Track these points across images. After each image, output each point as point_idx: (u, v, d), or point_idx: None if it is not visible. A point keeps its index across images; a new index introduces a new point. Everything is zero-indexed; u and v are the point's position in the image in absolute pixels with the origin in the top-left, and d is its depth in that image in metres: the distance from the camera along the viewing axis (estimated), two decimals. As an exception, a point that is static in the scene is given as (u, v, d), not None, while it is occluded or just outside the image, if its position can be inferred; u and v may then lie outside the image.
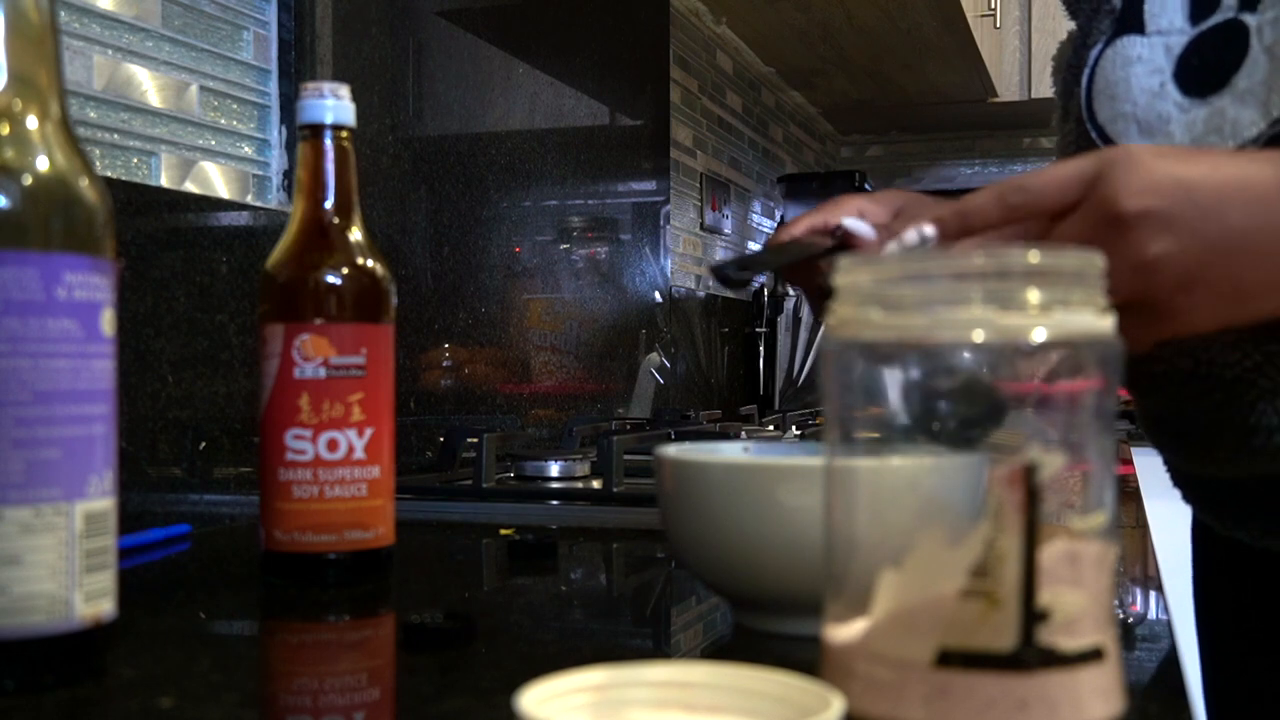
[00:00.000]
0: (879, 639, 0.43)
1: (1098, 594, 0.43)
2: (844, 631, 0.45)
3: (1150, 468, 1.42)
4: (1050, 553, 0.41)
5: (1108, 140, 0.72)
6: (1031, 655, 0.41)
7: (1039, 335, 0.41)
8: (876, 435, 0.45)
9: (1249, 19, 0.65)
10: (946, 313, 0.42)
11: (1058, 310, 0.42)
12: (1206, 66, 0.67)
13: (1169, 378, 0.69)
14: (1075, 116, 0.75)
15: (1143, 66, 0.70)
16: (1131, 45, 0.71)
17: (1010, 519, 0.41)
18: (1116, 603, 0.45)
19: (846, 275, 0.45)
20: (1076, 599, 0.42)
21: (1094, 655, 0.42)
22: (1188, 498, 0.82)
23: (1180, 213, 0.53)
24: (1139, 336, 0.53)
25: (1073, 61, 0.77)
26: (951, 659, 0.41)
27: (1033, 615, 0.41)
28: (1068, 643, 0.42)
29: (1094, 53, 0.74)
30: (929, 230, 0.55)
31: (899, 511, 0.45)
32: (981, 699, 0.41)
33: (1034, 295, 0.42)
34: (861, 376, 0.44)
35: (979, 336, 0.42)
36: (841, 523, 0.45)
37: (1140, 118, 0.69)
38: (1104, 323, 0.43)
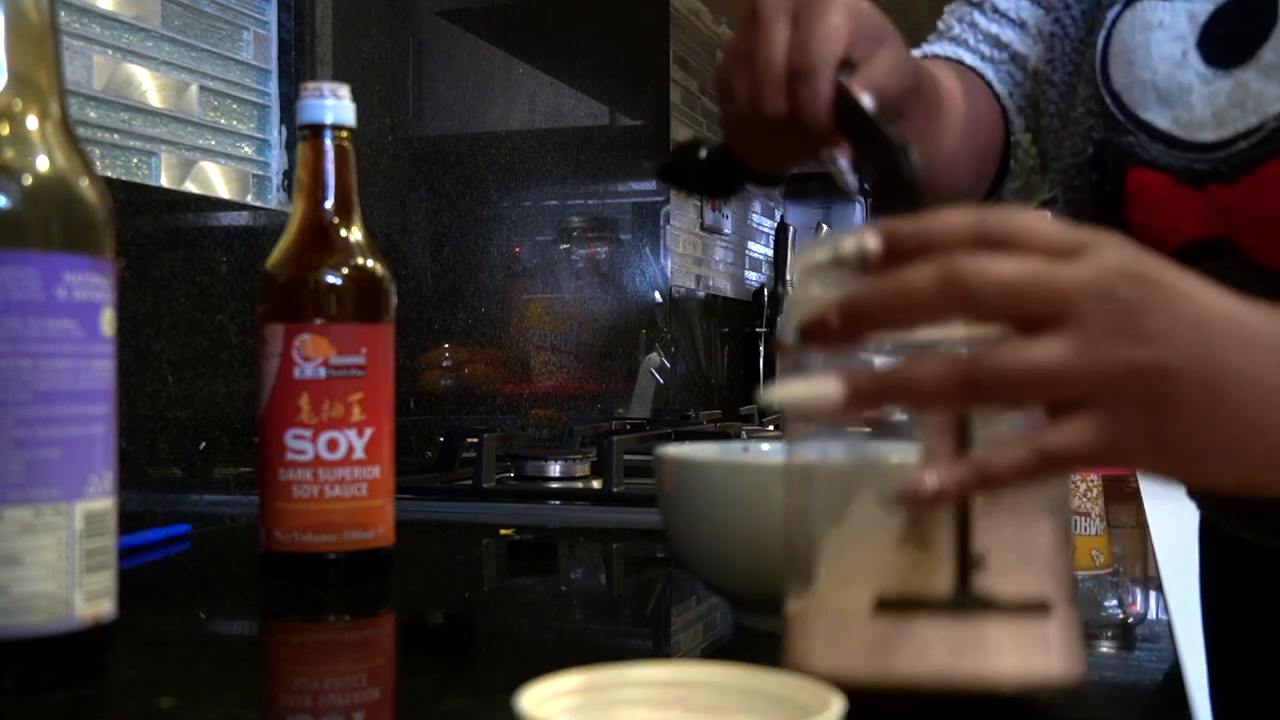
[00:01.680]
0: (821, 595, 0.43)
1: (1042, 549, 0.43)
2: (797, 600, 0.45)
3: (1150, 468, 1.42)
4: (987, 503, 0.42)
5: (1123, 107, 0.69)
6: (966, 600, 0.41)
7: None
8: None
9: None
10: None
11: None
12: (1232, 37, 0.65)
13: None
14: (1087, 78, 0.72)
15: (1164, 33, 0.67)
16: (1152, 10, 0.68)
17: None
18: (1081, 572, 0.46)
19: (812, 256, 0.45)
20: (1016, 550, 0.42)
21: (1038, 608, 0.42)
22: (1192, 495, 0.82)
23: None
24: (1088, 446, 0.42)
25: (1083, 16, 0.74)
26: (888, 606, 0.42)
27: (967, 561, 0.41)
28: (1007, 590, 0.41)
29: (1111, 14, 0.71)
30: (872, 244, 0.42)
31: (844, 491, 0.45)
32: (918, 644, 0.41)
33: None
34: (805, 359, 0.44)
35: (955, 332, 0.42)
36: (796, 505, 0.46)
37: (1160, 86, 0.67)
38: None
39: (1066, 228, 0.42)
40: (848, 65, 0.60)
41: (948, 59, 0.84)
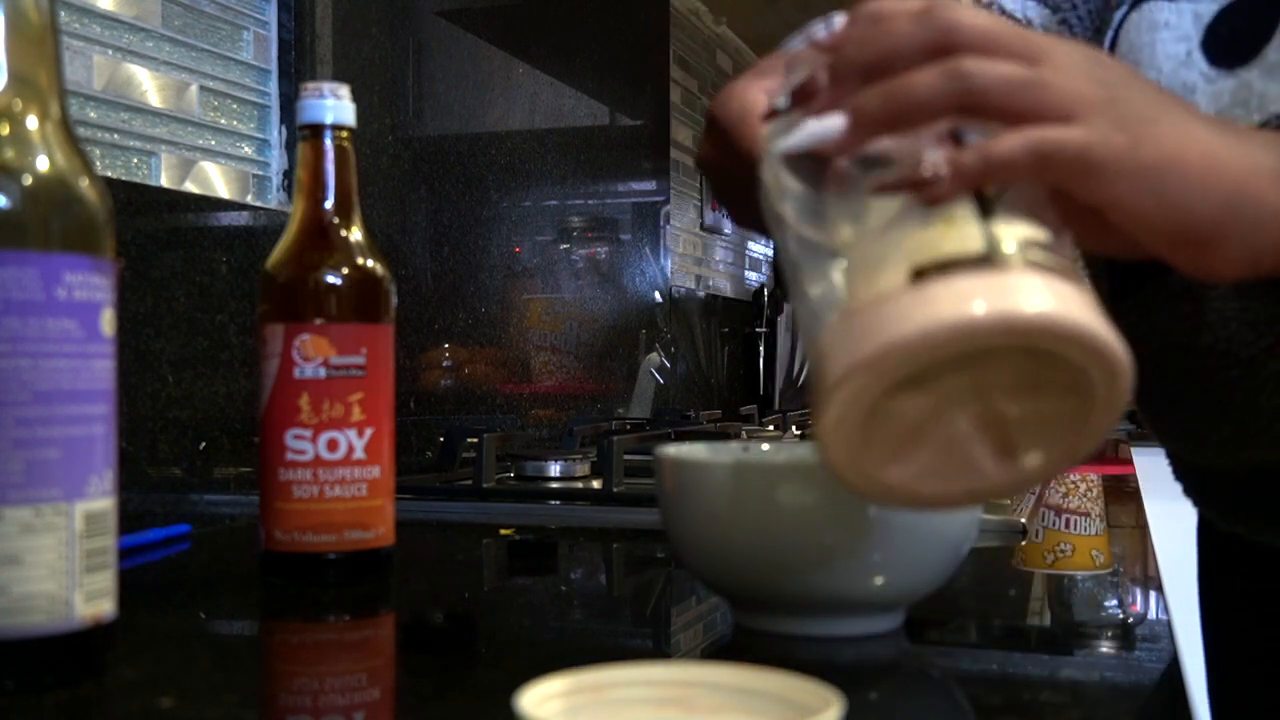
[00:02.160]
0: (856, 297, 0.42)
1: (1054, 233, 0.44)
2: (827, 330, 0.43)
3: (1150, 468, 1.42)
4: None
5: None
6: (1002, 255, 0.41)
7: None
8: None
9: None
10: None
11: None
12: (1236, 37, 0.65)
13: (1184, 350, 0.68)
14: None
15: (1169, 33, 0.68)
16: (1159, 10, 0.69)
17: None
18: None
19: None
20: (1032, 227, 0.43)
21: (1066, 270, 0.42)
22: (1188, 491, 0.82)
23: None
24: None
25: (1090, 16, 0.76)
26: (926, 271, 0.41)
27: (994, 228, 0.42)
28: (1032, 255, 0.42)
29: (1119, 15, 0.72)
30: (837, 20, 0.45)
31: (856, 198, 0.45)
32: (961, 291, 0.40)
33: None
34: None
35: None
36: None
37: (1164, 86, 0.67)
38: None
39: (1004, 23, 0.46)
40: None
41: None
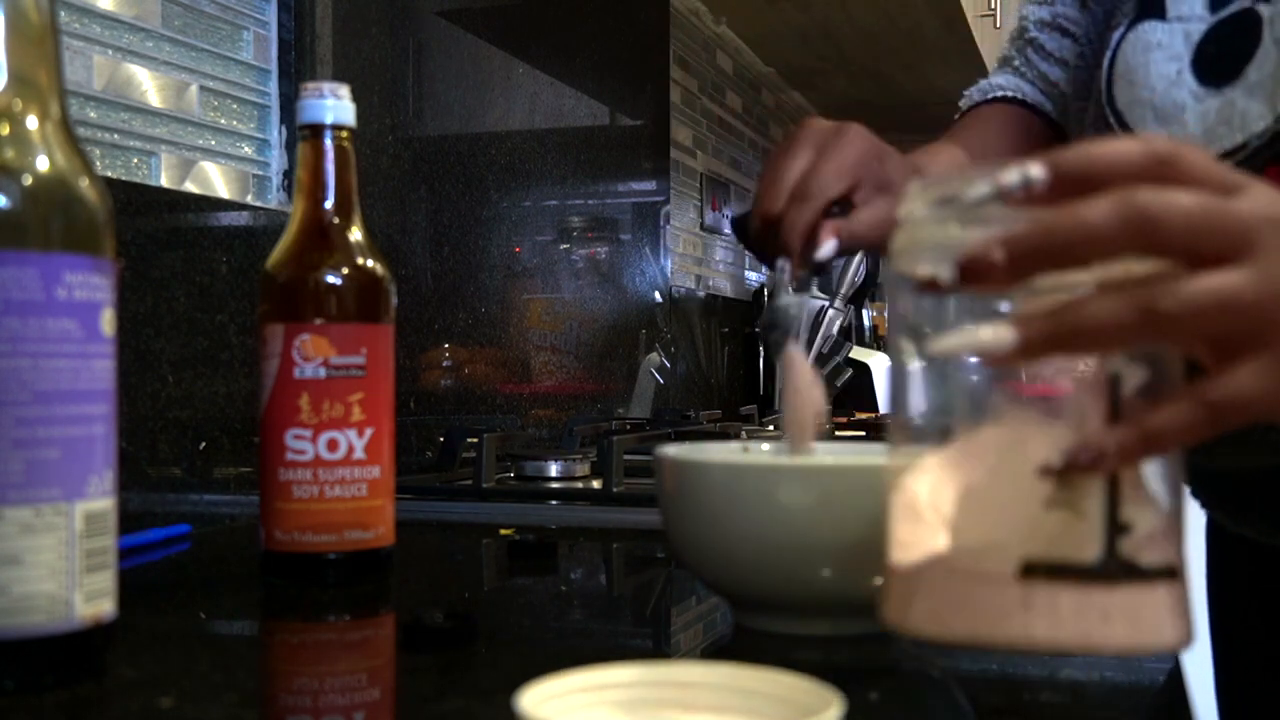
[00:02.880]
0: (958, 556, 0.42)
1: (1171, 512, 0.42)
2: (915, 550, 0.43)
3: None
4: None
5: (1125, 126, 0.71)
6: (1115, 567, 0.40)
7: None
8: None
9: (1263, 9, 0.65)
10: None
11: None
12: (1222, 56, 0.66)
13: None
14: (1095, 98, 0.74)
15: (1162, 53, 0.69)
16: (1152, 31, 0.70)
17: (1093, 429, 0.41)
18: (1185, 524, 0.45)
19: (920, 197, 0.44)
20: (1154, 514, 0.41)
21: (1169, 573, 0.41)
22: (1197, 493, 0.82)
23: None
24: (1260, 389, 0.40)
25: (1090, 43, 0.77)
26: (1035, 570, 0.40)
27: (1116, 527, 0.40)
28: (1146, 558, 0.41)
29: (1116, 35, 0.73)
30: (1038, 173, 0.39)
31: (970, 438, 0.44)
32: (1064, 610, 0.40)
33: None
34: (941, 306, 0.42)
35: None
36: (903, 455, 0.45)
37: (1157, 105, 0.69)
38: None
39: (1220, 163, 0.41)
40: (845, 202, 0.68)
41: (1009, 100, 0.89)
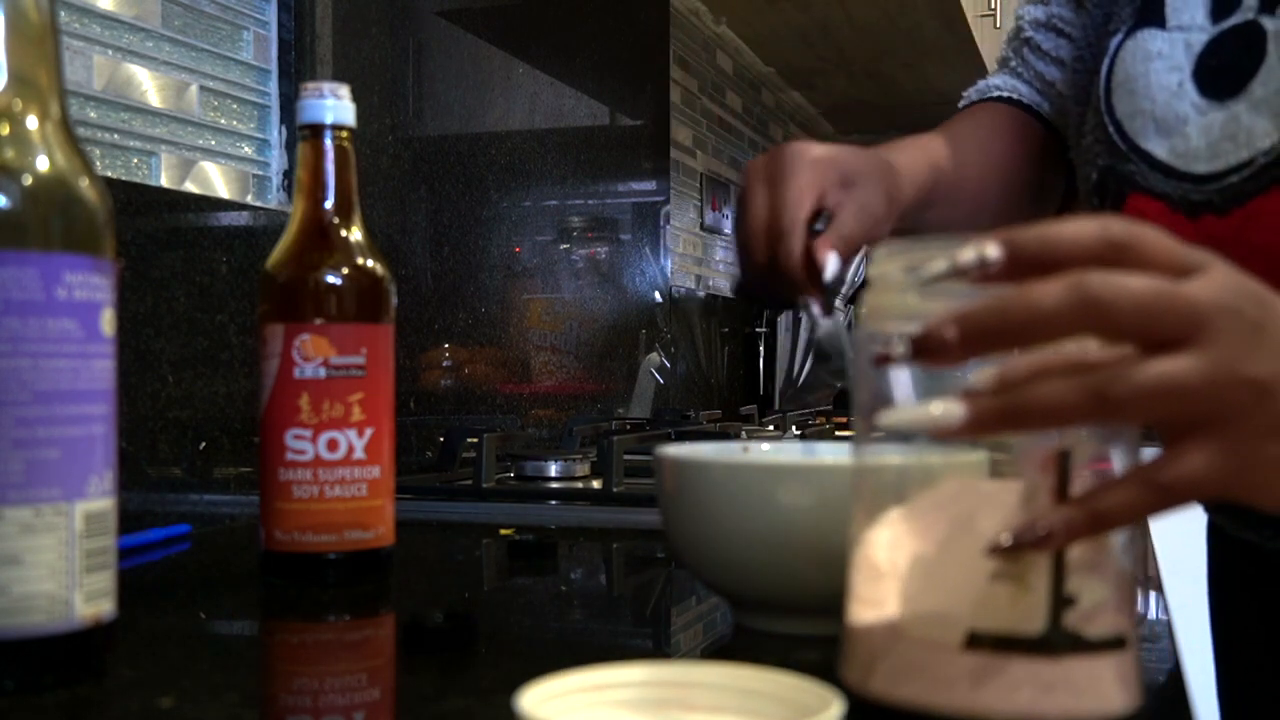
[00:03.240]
0: (910, 623, 0.43)
1: (1120, 583, 0.43)
2: (873, 610, 0.45)
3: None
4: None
5: (1125, 136, 0.70)
6: (1059, 639, 0.41)
7: None
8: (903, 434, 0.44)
9: (1268, 23, 0.64)
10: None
11: None
12: (1225, 69, 0.65)
13: None
14: (1094, 106, 0.73)
15: (1162, 63, 0.68)
16: (1152, 39, 0.69)
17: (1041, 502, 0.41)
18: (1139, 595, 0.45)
19: (885, 262, 0.45)
20: (1101, 586, 0.42)
21: (1116, 644, 0.42)
22: None
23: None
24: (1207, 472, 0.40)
25: (1088, 45, 0.76)
26: (981, 641, 0.42)
27: (1061, 600, 0.41)
28: (1092, 629, 0.42)
29: (1114, 42, 0.71)
30: (994, 253, 0.39)
31: (924, 504, 0.45)
32: (1010, 681, 0.41)
33: None
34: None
35: None
36: (867, 511, 0.46)
37: (1158, 116, 0.67)
38: None
39: (1181, 243, 0.41)
40: (822, 214, 0.68)
41: (1005, 100, 0.88)
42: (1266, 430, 0.40)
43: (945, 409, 0.40)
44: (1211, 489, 0.40)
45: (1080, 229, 0.40)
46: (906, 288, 0.43)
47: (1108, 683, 0.42)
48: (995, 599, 0.42)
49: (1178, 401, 0.39)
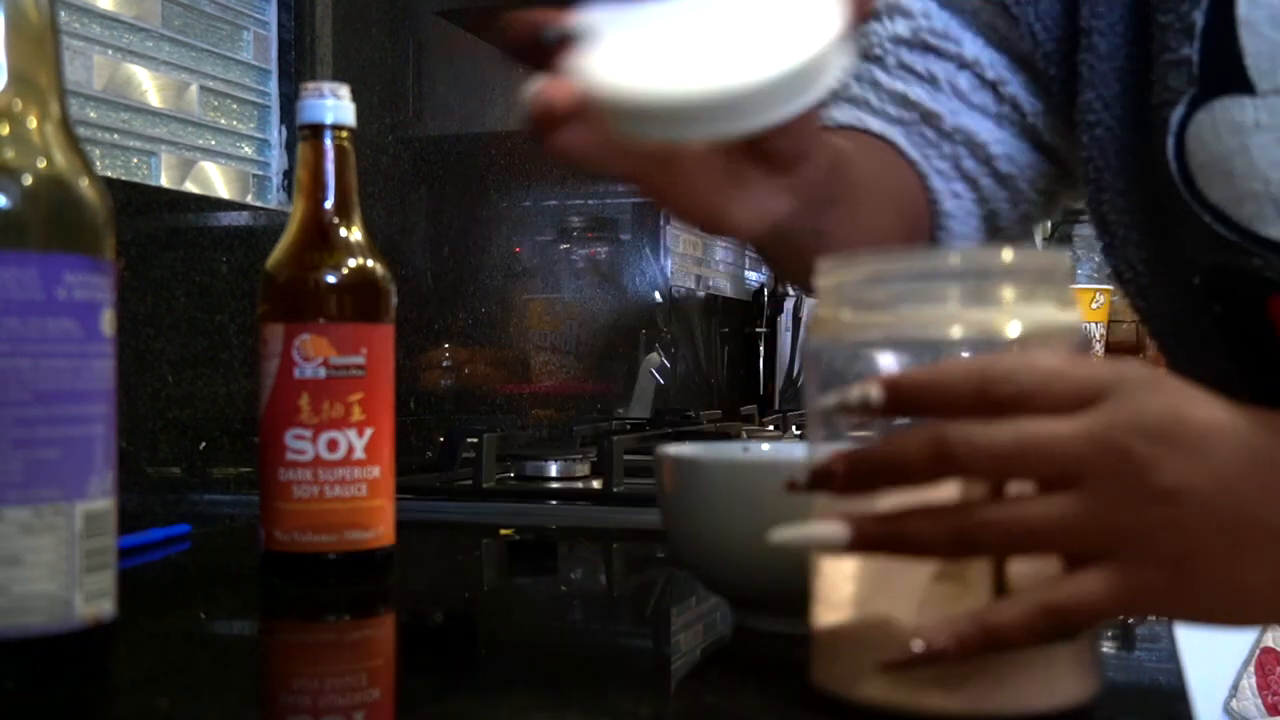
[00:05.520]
0: (862, 625, 0.44)
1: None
2: (834, 612, 0.46)
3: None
4: None
5: (1234, 226, 0.58)
6: None
7: (1014, 330, 0.43)
8: (861, 433, 0.46)
9: None
10: (923, 310, 0.44)
11: (1029, 305, 0.43)
12: None
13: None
14: (1162, 188, 0.61)
15: (1268, 135, 0.56)
16: (1241, 109, 0.56)
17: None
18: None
19: (826, 278, 0.47)
20: (1048, 572, 0.42)
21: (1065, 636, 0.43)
22: None
23: (1201, 454, 0.40)
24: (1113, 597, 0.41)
25: (1113, 118, 0.63)
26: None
27: (1002, 594, 0.42)
28: None
29: (1176, 116, 0.59)
30: (875, 395, 0.42)
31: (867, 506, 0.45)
32: (956, 675, 0.42)
33: (1008, 292, 0.43)
34: (838, 375, 0.45)
35: (956, 333, 0.43)
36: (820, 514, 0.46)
37: (1276, 197, 0.56)
38: (1072, 315, 0.45)
39: (1082, 372, 0.41)
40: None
41: (849, 128, 0.72)
42: (1161, 561, 0.40)
43: (831, 529, 0.42)
44: (1109, 610, 0.41)
45: (963, 372, 0.41)
46: (844, 302, 0.46)
47: (1059, 671, 0.43)
48: (939, 598, 0.42)
49: (1055, 540, 0.40)
